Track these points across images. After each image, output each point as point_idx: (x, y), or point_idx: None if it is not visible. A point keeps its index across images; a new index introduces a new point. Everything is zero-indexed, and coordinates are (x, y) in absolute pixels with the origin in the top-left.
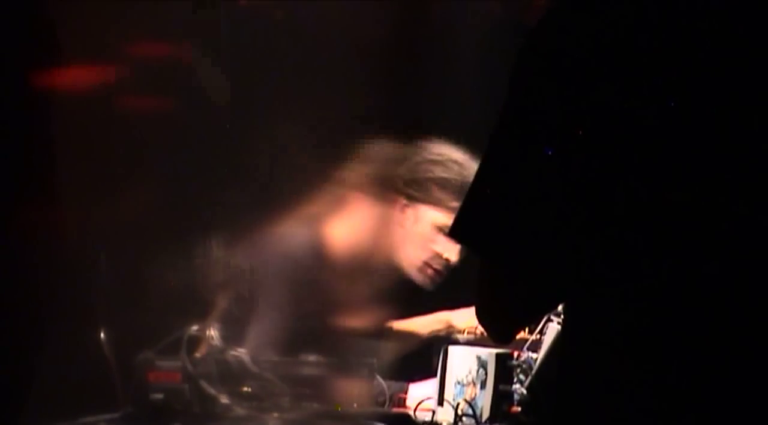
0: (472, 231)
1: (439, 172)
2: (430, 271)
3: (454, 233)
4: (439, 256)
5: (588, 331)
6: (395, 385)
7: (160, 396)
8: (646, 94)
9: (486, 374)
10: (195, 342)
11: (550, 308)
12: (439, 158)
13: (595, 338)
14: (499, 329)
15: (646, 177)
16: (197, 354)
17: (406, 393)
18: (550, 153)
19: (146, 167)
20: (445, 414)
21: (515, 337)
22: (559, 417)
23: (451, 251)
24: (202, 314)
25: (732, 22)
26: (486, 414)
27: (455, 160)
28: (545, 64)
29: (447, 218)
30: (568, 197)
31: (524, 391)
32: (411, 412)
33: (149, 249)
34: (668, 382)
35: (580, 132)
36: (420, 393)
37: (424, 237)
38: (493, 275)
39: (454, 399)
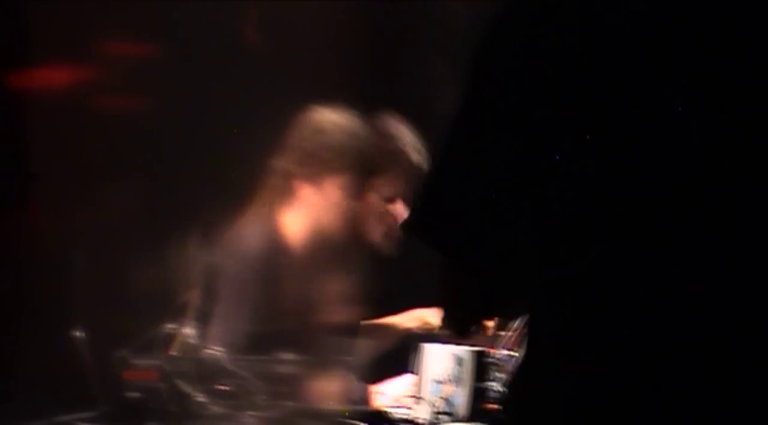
0: (426, 227)
1: (325, 139)
2: (393, 237)
3: (407, 228)
4: (395, 219)
5: (549, 328)
6: (358, 386)
7: (136, 394)
8: (619, 90)
9: (463, 371)
10: (171, 340)
11: (508, 305)
12: (316, 125)
13: (556, 335)
14: (455, 323)
15: (608, 174)
16: (173, 353)
17: (369, 393)
18: (557, 157)
19: (122, 166)
20: (422, 412)
21: (472, 332)
22: (526, 414)
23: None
24: (178, 313)
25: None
26: (463, 412)
27: (336, 123)
28: (509, 57)
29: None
30: (525, 194)
31: (500, 388)
32: (388, 410)
33: (125, 248)
34: (630, 377)
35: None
36: (391, 391)
37: (374, 211)
38: (449, 271)
39: (431, 397)
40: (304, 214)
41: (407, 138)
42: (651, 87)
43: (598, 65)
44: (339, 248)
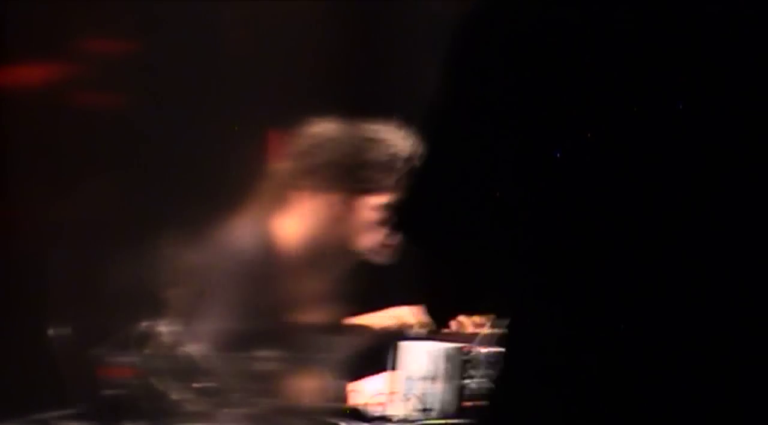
0: (411, 222)
1: (326, 155)
2: (387, 248)
3: (397, 224)
4: (390, 233)
5: (531, 325)
6: (335, 383)
7: (113, 392)
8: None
9: (437, 369)
10: (147, 338)
11: (489, 301)
12: (317, 140)
13: (538, 331)
14: (436, 316)
15: (599, 171)
16: (149, 350)
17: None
18: (558, 155)
19: (97, 164)
20: (397, 409)
21: (450, 326)
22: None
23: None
24: (153, 311)
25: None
26: (438, 409)
27: (332, 138)
28: (491, 53)
29: (380, 198)
30: (509, 190)
31: (476, 385)
32: (364, 407)
33: (101, 245)
34: (608, 374)
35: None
36: (371, 389)
37: (368, 222)
38: (436, 265)
39: (405, 395)
40: (297, 222)
41: (404, 146)
42: (651, 84)
43: (591, 62)
44: (328, 257)
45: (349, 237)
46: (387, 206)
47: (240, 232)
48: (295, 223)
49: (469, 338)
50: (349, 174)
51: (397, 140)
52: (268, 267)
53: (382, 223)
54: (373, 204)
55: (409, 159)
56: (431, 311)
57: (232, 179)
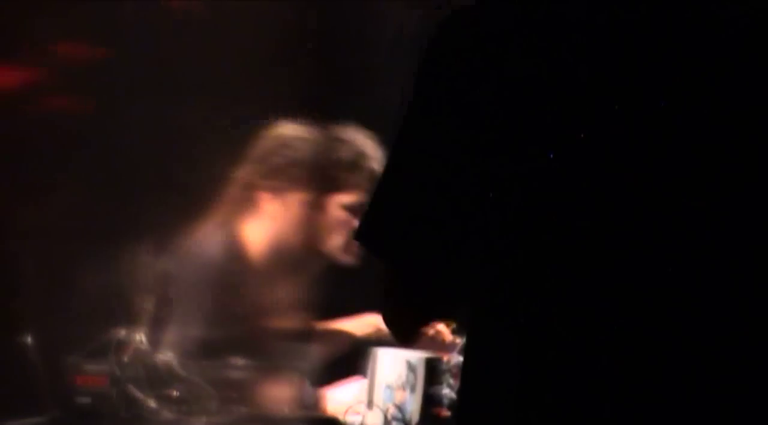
0: (374, 235)
1: (291, 154)
2: (354, 249)
3: (358, 236)
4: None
5: (491, 337)
6: (310, 391)
7: (87, 400)
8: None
9: (415, 377)
10: (122, 345)
11: (454, 312)
12: (283, 140)
13: (497, 344)
14: (402, 331)
15: (558, 179)
16: (125, 358)
17: (322, 398)
18: (550, 156)
19: (73, 169)
20: (375, 418)
21: (418, 339)
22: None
23: None
24: (129, 318)
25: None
26: (415, 418)
27: (302, 138)
28: (454, 61)
29: (349, 197)
30: (472, 201)
31: (453, 394)
32: (340, 416)
33: (77, 252)
34: (573, 381)
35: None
36: (343, 396)
37: (336, 221)
38: (397, 279)
39: (383, 403)
40: (265, 225)
41: (367, 147)
42: (633, 82)
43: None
44: (299, 259)
45: (317, 238)
46: (354, 208)
47: (210, 237)
48: (263, 225)
49: (448, 346)
50: (315, 174)
51: (361, 139)
52: (240, 272)
53: (349, 223)
54: (341, 204)
55: (374, 159)
56: None
57: (200, 184)
